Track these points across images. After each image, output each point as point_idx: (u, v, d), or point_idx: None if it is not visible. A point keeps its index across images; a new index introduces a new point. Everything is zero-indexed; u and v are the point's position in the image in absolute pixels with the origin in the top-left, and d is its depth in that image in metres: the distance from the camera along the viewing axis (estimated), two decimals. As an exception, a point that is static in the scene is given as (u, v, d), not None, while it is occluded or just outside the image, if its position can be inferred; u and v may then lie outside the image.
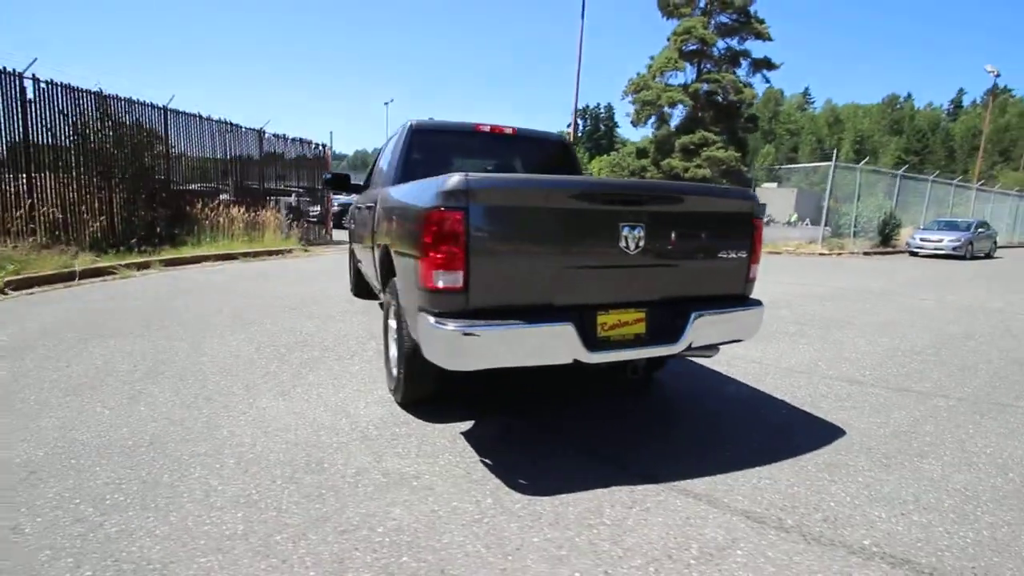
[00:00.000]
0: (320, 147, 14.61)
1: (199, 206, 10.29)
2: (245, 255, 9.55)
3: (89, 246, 8.10)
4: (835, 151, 21.53)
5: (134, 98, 9.35)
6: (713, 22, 27.07)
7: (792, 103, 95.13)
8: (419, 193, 2.28)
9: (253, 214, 11.19)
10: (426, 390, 2.80)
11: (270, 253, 10.19)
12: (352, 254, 5.91)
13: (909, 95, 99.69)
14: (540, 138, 4.22)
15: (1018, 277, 11.40)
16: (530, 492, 2.10)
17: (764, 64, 31.24)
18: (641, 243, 2.26)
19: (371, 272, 3.96)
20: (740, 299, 2.65)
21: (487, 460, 2.35)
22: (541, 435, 2.67)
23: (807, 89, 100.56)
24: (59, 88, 8.18)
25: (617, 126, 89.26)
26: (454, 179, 2.02)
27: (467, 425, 2.72)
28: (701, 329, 2.39)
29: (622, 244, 2.24)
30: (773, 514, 2.00)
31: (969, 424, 2.95)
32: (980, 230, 17.10)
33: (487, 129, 3.92)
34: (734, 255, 2.56)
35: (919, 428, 2.87)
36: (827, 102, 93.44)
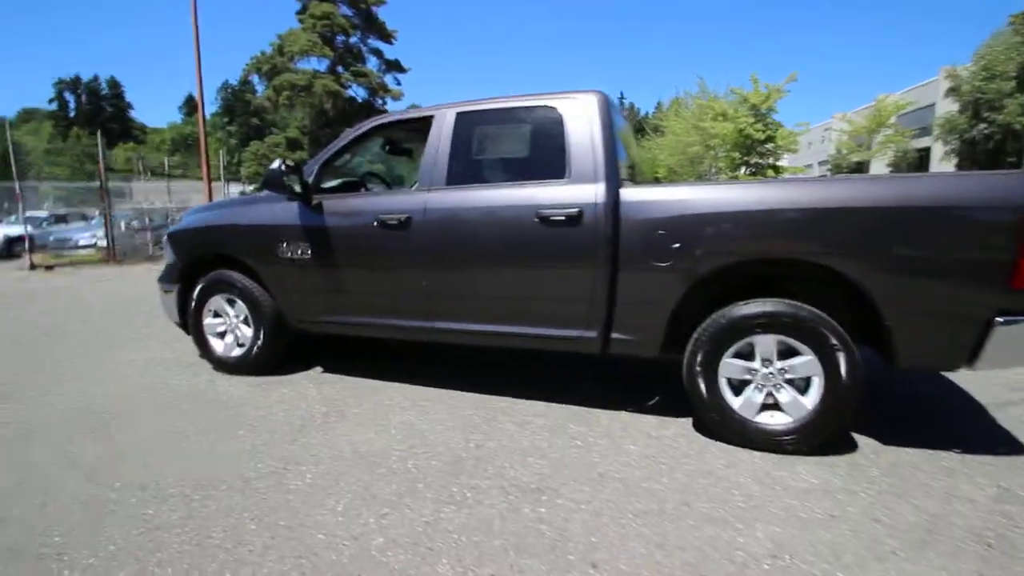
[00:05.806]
0: None
1: None
2: None
3: None
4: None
5: None
6: (340, 12, 26.25)
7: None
8: (993, 190, 2.08)
9: None
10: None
11: None
12: (250, 301, 3.43)
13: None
14: None
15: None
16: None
17: (395, 66, 32.46)
18: None
19: (583, 306, 2.65)
20: None
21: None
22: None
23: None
24: None
25: (131, 107, 65.84)
26: None
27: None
28: None
29: None
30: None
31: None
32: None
33: None
34: None
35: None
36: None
